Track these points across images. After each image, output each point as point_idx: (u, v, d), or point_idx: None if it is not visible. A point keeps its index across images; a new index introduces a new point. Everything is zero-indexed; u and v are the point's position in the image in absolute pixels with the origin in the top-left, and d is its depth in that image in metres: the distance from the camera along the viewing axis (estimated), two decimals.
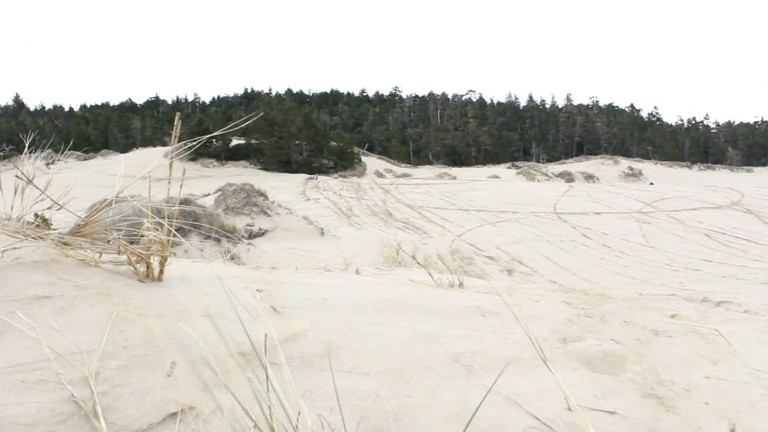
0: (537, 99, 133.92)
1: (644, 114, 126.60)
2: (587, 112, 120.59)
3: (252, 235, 16.19)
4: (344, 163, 61.97)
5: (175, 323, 1.81)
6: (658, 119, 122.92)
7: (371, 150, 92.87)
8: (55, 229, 2.09)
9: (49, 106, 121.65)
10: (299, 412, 1.22)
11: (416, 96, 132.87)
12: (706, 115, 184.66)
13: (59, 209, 2.26)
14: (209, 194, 26.06)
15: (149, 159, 2.28)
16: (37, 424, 1.30)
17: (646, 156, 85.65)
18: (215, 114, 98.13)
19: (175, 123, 2.24)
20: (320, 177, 45.02)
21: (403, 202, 29.25)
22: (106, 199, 2.05)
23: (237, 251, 13.97)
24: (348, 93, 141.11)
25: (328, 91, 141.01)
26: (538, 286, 4.15)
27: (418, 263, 4.51)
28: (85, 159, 56.72)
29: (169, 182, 2.16)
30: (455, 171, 61.02)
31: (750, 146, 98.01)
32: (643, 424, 1.74)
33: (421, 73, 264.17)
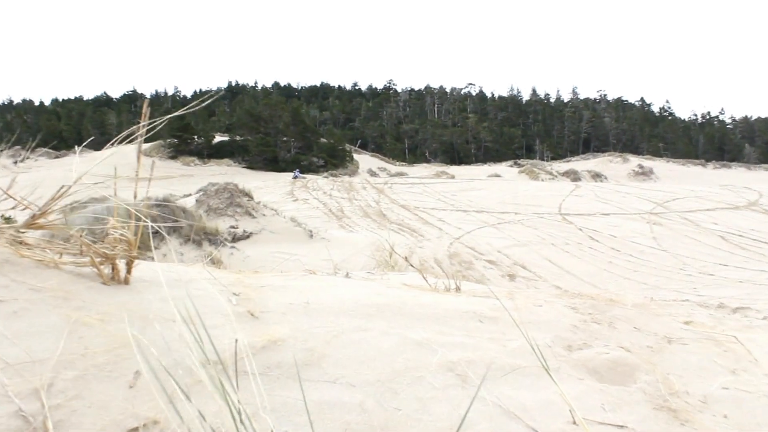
0: (541, 93, 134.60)
1: (655, 108, 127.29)
2: (594, 106, 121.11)
3: (236, 238, 16.13)
4: (335, 161, 62.00)
5: (141, 329, 1.76)
6: (670, 114, 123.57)
7: (364, 147, 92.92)
8: (9, 225, 2.03)
9: (17, 100, 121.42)
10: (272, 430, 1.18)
11: (412, 90, 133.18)
12: (722, 109, 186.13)
13: (24, 209, 2.21)
14: (190, 194, 25.95)
15: (126, 157, 2.23)
16: None
17: (657, 153, 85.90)
18: (197, 110, 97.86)
19: (143, 110, 2.19)
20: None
21: (397, 202, 29.24)
22: (63, 186, 1.99)
23: (219, 255, 13.91)
24: (339, 86, 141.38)
25: (318, 85, 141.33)
26: (541, 290, 4.12)
27: (413, 266, 4.46)
28: (57, 156, 56.49)
29: (137, 173, 2.11)
30: (453, 169, 61.10)
31: None
32: None
33: (417, 65, 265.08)
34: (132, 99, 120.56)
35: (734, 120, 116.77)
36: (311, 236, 17.41)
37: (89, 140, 3.71)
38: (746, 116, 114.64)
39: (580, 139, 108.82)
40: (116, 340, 1.67)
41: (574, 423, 1.69)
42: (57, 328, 1.65)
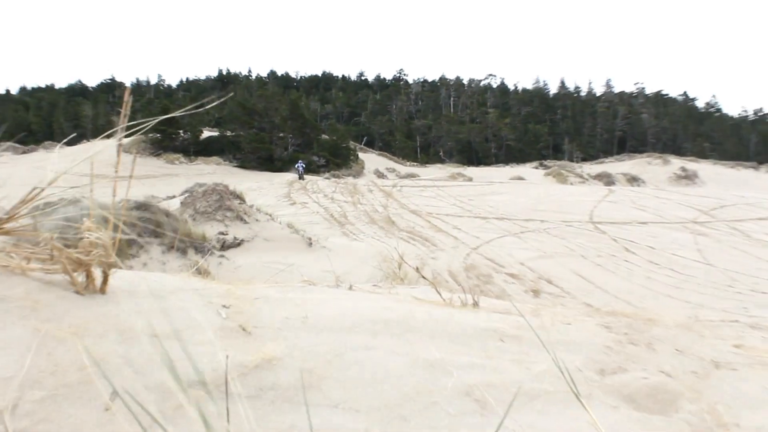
0: (570, 85, 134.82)
1: (700, 104, 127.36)
2: (631, 101, 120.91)
3: (225, 246, 16.16)
4: (338, 160, 62.15)
5: (119, 345, 1.76)
6: (718, 110, 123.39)
7: (370, 145, 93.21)
8: None
9: None
10: None
11: (425, 81, 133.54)
12: None
13: None
14: (174, 196, 26.09)
15: (102, 153, 2.24)
16: None
17: (702, 154, 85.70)
18: (183, 100, 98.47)
19: (125, 99, 2.19)
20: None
21: (407, 207, 29.24)
22: (35, 188, 2.00)
23: (206, 265, 13.94)
24: (343, 76, 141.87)
25: (320, 74, 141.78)
26: (570, 307, 4.10)
27: (425, 278, 4.46)
28: (24, 152, 56.84)
29: (116, 170, 2.11)
30: (471, 171, 61.11)
31: None
32: None
33: (431, 53, 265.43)
34: (110, 88, 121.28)
35: None
36: (310, 244, 17.41)
37: (70, 137, 3.73)
38: None
39: (614, 138, 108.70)
40: (90, 357, 1.67)
41: None
42: (23, 342, 1.65)
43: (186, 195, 20.29)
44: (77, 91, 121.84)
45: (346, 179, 46.26)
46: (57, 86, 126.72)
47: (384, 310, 2.52)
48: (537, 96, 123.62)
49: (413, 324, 2.37)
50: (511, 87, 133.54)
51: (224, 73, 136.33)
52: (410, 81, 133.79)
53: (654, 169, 61.96)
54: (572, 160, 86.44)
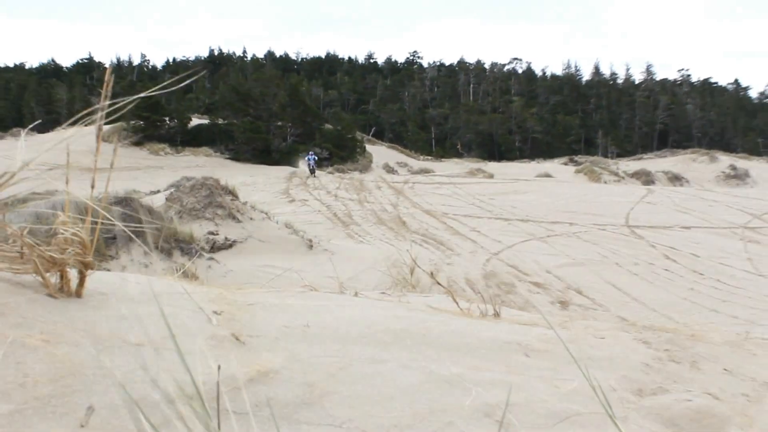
0: (606, 71, 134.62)
1: (753, 94, 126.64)
2: (674, 90, 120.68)
3: (215, 247, 16.20)
4: (342, 153, 62.17)
5: (96, 354, 1.77)
6: None
7: (379, 136, 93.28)
8: None
9: None
10: None
11: (442, 65, 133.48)
12: None
13: None
14: (159, 191, 26.14)
15: (77, 141, 2.24)
16: None
17: (755, 151, 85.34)
18: (172, 89, 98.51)
19: (106, 78, 2.19)
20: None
21: (420, 207, 29.26)
22: (5, 173, 2.00)
23: (193, 268, 13.98)
24: (350, 59, 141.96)
25: (323, 56, 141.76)
26: (603, 320, 4.09)
27: (439, 283, 4.44)
28: None
29: (95, 157, 2.11)
30: (492, 167, 61.02)
31: None
32: None
33: (448, 33, 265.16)
34: (87, 69, 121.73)
35: None
36: (311, 247, 17.45)
37: (36, 123, 3.74)
38: None
39: (654, 132, 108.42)
40: (64, 367, 1.68)
41: None
42: None
43: (172, 190, 20.35)
44: (50, 71, 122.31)
45: (352, 174, 46.31)
46: (27, 66, 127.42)
47: (395, 319, 2.53)
48: (568, 83, 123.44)
49: (428, 335, 2.37)
50: (539, 73, 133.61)
51: (216, 53, 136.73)
52: (425, 65, 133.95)
53: (699, 167, 61.77)
54: (606, 156, 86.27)
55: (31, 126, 2.94)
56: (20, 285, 2.00)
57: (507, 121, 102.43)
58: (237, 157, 58.22)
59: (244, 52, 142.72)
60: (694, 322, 12.28)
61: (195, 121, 64.97)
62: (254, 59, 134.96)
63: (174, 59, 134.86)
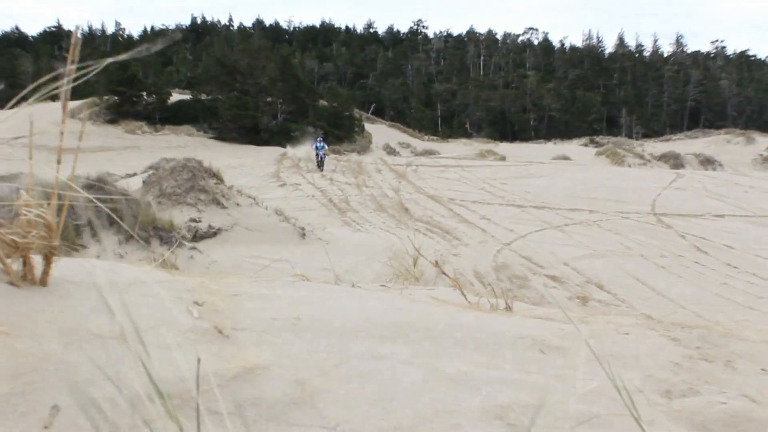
0: (631, 42, 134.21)
1: None
2: (707, 63, 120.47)
3: (198, 236, 16.24)
4: (339, 132, 62.18)
5: (63, 348, 1.76)
6: None
7: (380, 114, 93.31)
8: None
9: None
10: None
11: (449, 35, 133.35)
12: None
13: None
14: (135, 174, 26.20)
15: (43, 118, 2.22)
16: None
17: None
18: (149, 56, 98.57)
19: (72, 43, 2.17)
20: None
21: (424, 192, 29.30)
22: None
23: (173, 258, 14.01)
24: (347, 28, 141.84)
25: (318, 25, 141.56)
26: (627, 315, 4.09)
27: (445, 273, 4.45)
28: None
29: (61, 131, 2.10)
30: (504, 148, 61.13)
31: None
32: None
33: (456, 0, 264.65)
34: (55, 38, 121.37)
35: None
36: (303, 236, 17.49)
37: None
38: None
39: (684, 110, 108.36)
40: (27, 363, 1.67)
41: None
42: None
43: (150, 172, 20.39)
44: (13, 40, 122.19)
45: (349, 156, 46.37)
46: None
47: (396, 312, 2.52)
48: (588, 56, 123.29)
49: (432, 329, 2.37)
50: (557, 44, 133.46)
51: (199, 21, 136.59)
52: (430, 35, 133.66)
53: (734, 149, 61.81)
54: (631, 137, 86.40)
55: None
56: None
57: (521, 97, 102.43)
58: (222, 136, 58.28)
59: (230, 20, 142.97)
60: (727, 320, 12.30)
61: (175, 96, 64.94)
62: (241, 28, 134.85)
63: (152, 27, 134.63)
